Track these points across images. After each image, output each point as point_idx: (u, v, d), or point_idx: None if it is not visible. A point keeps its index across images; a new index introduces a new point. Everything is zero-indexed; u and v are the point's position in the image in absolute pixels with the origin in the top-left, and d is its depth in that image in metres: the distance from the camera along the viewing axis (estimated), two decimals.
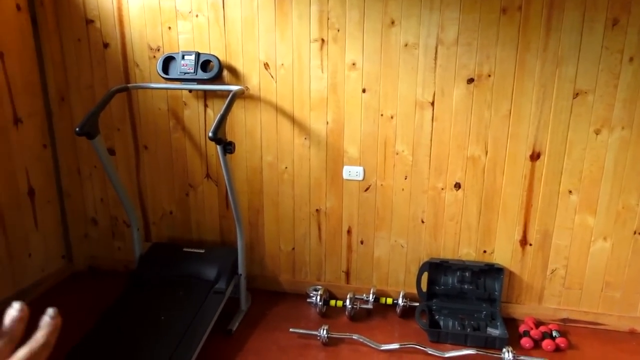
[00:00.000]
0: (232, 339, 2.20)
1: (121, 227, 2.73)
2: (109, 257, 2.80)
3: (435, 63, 2.12)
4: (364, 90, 2.23)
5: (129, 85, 2.28)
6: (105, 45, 2.41)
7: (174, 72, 2.26)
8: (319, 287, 2.49)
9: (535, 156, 2.15)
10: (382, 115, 2.24)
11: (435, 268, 2.36)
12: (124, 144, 2.56)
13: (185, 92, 2.40)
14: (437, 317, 2.31)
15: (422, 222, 2.35)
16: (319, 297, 2.36)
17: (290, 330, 2.24)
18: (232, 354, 2.09)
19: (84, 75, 2.49)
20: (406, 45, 2.13)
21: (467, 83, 2.12)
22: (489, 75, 2.09)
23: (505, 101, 2.11)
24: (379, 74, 2.19)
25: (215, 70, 2.24)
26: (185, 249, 2.46)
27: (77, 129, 1.93)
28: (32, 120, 2.40)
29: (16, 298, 2.37)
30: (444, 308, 2.35)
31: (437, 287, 2.37)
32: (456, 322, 2.26)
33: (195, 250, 2.45)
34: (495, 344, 2.11)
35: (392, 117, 2.24)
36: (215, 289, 2.26)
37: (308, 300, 2.44)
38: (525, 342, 2.13)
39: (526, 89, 2.08)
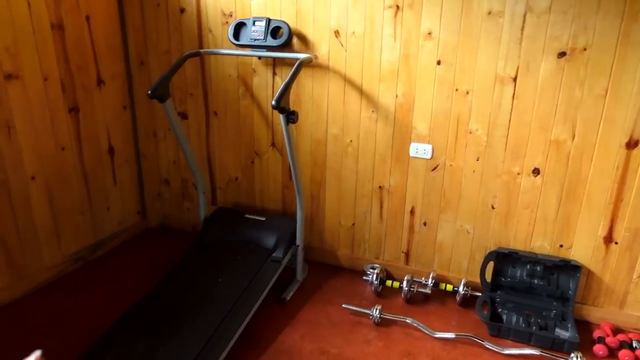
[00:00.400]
0: (285, 307, 2.22)
1: (191, 189, 2.84)
2: (178, 217, 2.94)
3: (522, 34, 1.91)
4: (438, 62, 2.07)
5: (200, 50, 2.32)
6: (182, 11, 2.46)
7: (244, 38, 2.26)
8: (377, 265, 2.43)
9: (632, 144, 1.88)
10: (456, 90, 2.08)
11: (503, 258, 2.20)
12: (196, 109, 2.63)
13: (255, 59, 2.40)
14: (499, 310, 2.16)
15: (493, 208, 2.18)
16: (375, 276, 2.30)
17: (343, 305, 2.22)
18: (284, 322, 2.12)
19: (161, 40, 2.57)
20: (490, 13, 1.93)
21: (558, 57, 1.89)
22: (585, 49, 1.84)
23: (601, 79, 1.86)
24: (457, 44, 2.02)
25: (284, 37, 2.19)
26: (246, 215, 2.50)
27: (149, 92, 2.00)
28: (113, 82, 2.53)
29: (96, 247, 2.58)
30: (508, 302, 2.19)
31: (503, 279, 2.21)
32: (521, 318, 2.10)
33: (257, 218, 2.48)
34: (563, 347, 1.93)
35: (467, 93, 2.07)
36: (273, 257, 2.28)
37: (364, 277, 2.39)
38: (599, 349, 1.93)
39: (629, 66, 1.81)
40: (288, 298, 2.27)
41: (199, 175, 2.48)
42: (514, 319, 2.11)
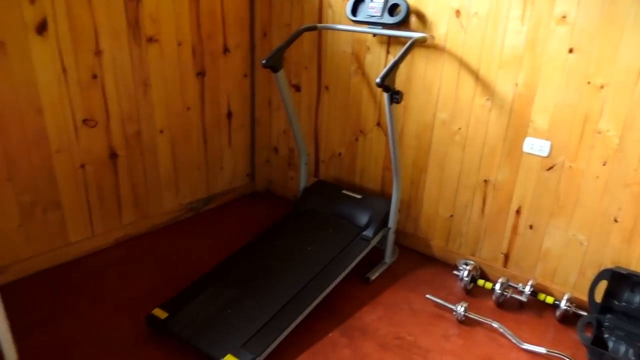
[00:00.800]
0: (368, 287, 2.23)
1: (296, 159, 2.95)
2: (283, 184, 3.09)
3: None
4: (570, 50, 1.85)
5: (317, 25, 2.36)
6: None
7: (361, 15, 2.24)
8: (471, 262, 2.31)
9: None
10: (589, 83, 1.84)
11: (620, 279, 1.93)
12: (309, 83, 2.71)
13: (370, 37, 2.37)
14: (606, 335, 1.92)
15: (615, 221, 1.92)
16: (467, 272, 2.19)
17: (427, 296, 2.15)
18: (363, 300, 2.13)
19: (284, 13, 2.67)
20: None
21: None
22: None
23: None
24: (595, 31, 1.77)
25: (402, 14, 2.13)
26: (343, 191, 2.54)
27: (264, 61, 2.11)
28: (237, 51, 2.71)
29: (207, 201, 2.84)
30: (618, 328, 1.93)
31: (617, 302, 1.95)
32: (631, 350, 1.84)
33: (353, 195, 2.50)
34: None
35: (602, 87, 1.81)
36: (362, 236, 2.30)
37: (455, 272, 2.29)
38: None
39: None
40: (372, 278, 2.28)
41: (302, 146, 2.57)
42: (622, 348, 1.86)
